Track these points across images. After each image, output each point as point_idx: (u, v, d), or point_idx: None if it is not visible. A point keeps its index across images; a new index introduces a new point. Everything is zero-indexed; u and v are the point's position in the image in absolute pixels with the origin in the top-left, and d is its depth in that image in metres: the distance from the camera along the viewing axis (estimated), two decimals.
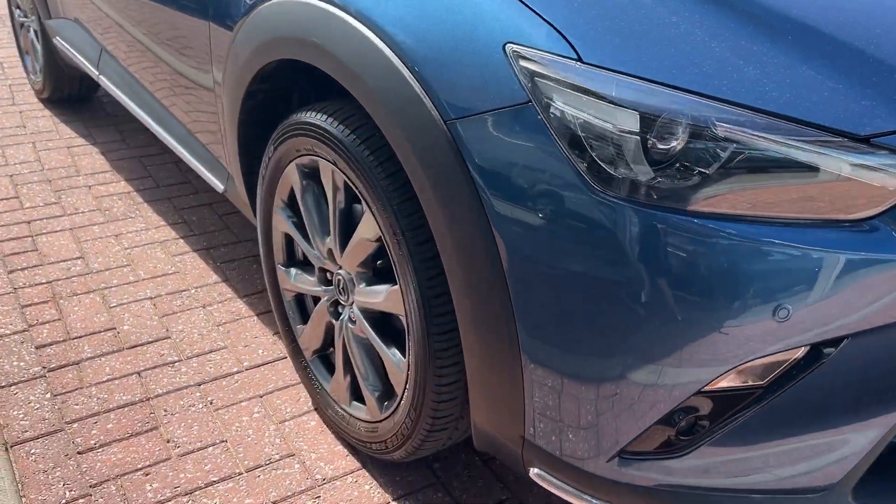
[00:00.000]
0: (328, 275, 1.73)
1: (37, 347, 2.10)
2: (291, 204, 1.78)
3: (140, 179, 3.12)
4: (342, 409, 1.77)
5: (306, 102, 1.89)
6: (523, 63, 1.14)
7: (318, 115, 1.53)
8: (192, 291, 2.39)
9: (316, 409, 1.92)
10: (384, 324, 1.61)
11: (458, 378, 1.43)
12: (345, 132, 1.46)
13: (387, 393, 1.64)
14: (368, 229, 1.49)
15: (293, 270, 1.84)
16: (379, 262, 1.55)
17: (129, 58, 2.62)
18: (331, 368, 1.85)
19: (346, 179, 1.50)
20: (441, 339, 1.39)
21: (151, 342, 2.14)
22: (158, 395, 1.94)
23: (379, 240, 1.48)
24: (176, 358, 2.08)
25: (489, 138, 1.17)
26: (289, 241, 1.86)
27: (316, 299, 1.84)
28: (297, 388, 1.99)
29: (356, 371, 1.68)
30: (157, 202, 2.94)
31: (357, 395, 1.75)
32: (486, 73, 1.17)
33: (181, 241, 2.68)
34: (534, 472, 1.34)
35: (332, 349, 1.87)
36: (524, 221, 1.15)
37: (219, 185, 2.16)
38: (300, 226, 1.76)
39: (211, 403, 1.93)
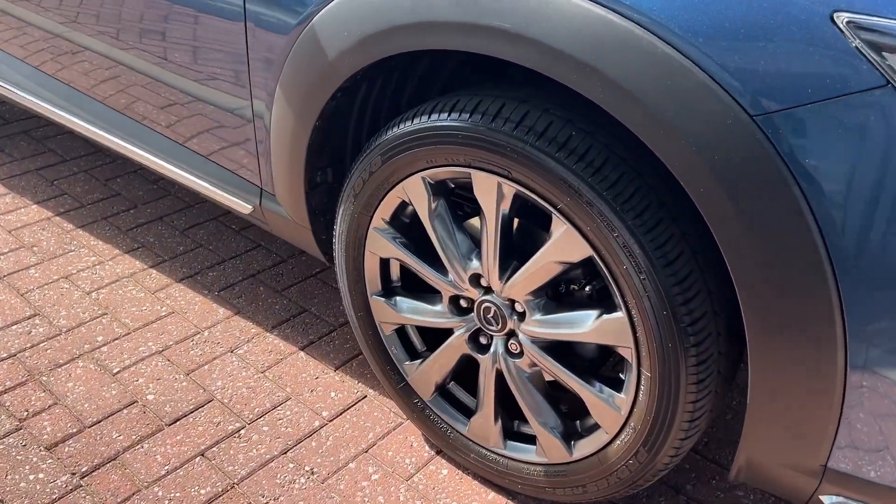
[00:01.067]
0: (463, 302, 1.44)
1: (47, 448, 1.63)
2: (395, 223, 1.45)
3: (54, 199, 2.54)
4: (493, 451, 1.51)
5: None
6: (866, 36, 0.91)
7: (472, 118, 1.22)
8: (206, 334, 1.96)
9: (439, 454, 1.63)
10: (564, 355, 1.36)
11: (708, 408, 1.22)
12: (529, 136, 1.17)
13: (570, 431, 1.41)
14: (565, 251, 1.22)
15: (402, 300, 1.52)
16: (587, 287, 1.29)
17: (50, 57, 2.06)
18: (459, 406, 1.57)
19: (527, 192, 1.22)
20: (697, 371, 1.17)
21: (194, 410, 1.73)
22: (244, 478, 1.57)
23: (586, 262, 1.22)
24: (238, 425, 1.70)
25: (823, 133, 0.94)
26: (384, 266, 1.53)
27: (438, 331, 1.53)
28: (400, 430, 1.69)
29: (526, 409, 1.42)
30: (92, 226, 2.40)
31: (511, 434, 1.50)
32: (809, 52, 0.93)
33: (153, 271, 2.20)
34: (829, 500, 1.18)
35: (452, 383, 1.59)
36: (875, 230, 0.95)
37: (244, 206, 1.75)
38: (416, 249, 1.45)
39: (313, 474, 1.58)
